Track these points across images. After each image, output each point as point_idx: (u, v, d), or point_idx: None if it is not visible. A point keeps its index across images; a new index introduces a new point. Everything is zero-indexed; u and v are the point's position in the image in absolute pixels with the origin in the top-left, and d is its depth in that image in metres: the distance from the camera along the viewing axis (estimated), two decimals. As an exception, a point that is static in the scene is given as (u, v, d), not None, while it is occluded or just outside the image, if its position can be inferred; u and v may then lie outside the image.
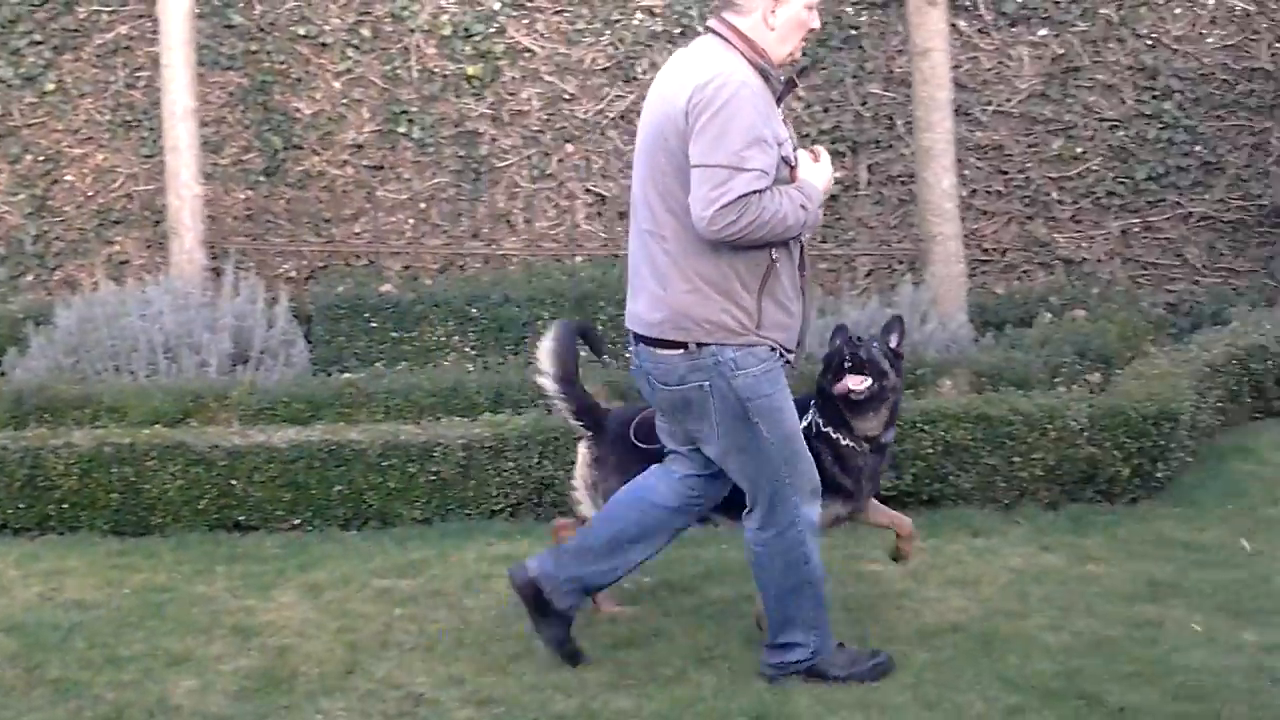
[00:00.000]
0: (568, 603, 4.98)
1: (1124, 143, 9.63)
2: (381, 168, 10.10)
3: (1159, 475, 6.80)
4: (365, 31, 9.99)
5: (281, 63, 9.98)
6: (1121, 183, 9.68)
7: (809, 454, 4.80)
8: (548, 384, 5.33)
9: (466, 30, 9.90)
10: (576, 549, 5.02)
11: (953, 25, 9.38)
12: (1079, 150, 9.68)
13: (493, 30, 9.90)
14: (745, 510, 4.84)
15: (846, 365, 5.08)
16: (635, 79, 9.79)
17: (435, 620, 5.58)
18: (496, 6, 9.89)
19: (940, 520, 6.58)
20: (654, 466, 5.03)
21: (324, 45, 9.97)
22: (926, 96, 8.40)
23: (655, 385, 4.75)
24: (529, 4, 9.89)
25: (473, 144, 9.99)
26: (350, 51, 10.00)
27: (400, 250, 10.02)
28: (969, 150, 9.67)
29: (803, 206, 4.54)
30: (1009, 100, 9.70)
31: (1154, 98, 9.56)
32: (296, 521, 6.78)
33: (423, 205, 10.06)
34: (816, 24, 4.71)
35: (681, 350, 4.60)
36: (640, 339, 4.75)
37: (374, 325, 8.92)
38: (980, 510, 6.71)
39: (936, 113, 8.37)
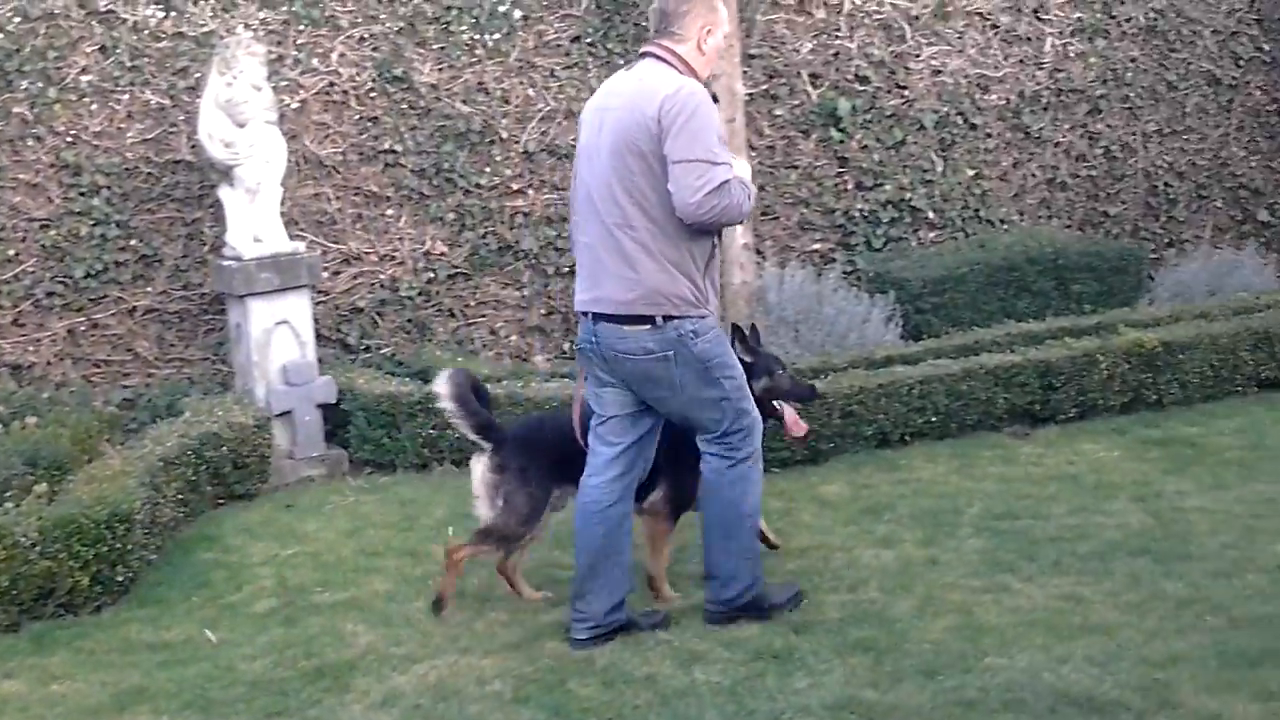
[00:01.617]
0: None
1: (58, 241, 9.34)
2: None
3: (120, 579, 6.65)
4: None
5: None
6: (61, 282, 9.38)
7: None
8: (446, 405, 6.03)
9: None
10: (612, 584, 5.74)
11: None
12: (12, 252, 9.28)
13: None
14: (701, 456, 5.72)
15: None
16: None
17: None
18: None
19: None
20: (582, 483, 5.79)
21: None
22: None
23: (620, 358, 5.54)
24: None
25: None
26: None
27: None
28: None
29: (749, 197, 5.50)
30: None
31: (82, 194, 9.38)
32: None
33: None
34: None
35: (648, 325, 5.46)
36: (603, 318, 5.55)
37: None
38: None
39: None
